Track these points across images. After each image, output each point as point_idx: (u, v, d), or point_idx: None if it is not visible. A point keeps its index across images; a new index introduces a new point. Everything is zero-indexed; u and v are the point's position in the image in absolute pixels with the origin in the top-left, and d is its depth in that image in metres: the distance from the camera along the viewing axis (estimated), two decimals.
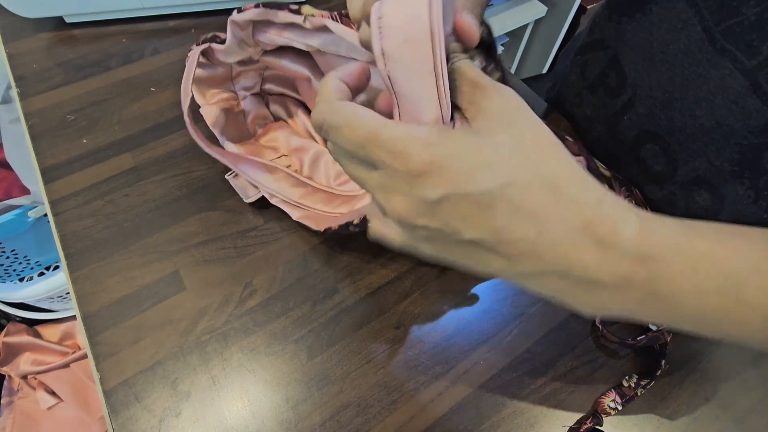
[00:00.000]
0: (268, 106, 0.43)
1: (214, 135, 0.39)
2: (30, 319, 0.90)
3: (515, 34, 1.19)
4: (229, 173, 0.36)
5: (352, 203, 0.36)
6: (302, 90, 0.41)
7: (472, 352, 0.33)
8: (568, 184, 0.17)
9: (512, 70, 1.31)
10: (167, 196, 0.38)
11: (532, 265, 0.18)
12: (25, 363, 0.87)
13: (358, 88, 0.21)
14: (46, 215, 0.46)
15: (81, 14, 0.50)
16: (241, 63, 0.39)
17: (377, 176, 0.19)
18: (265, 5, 0.30)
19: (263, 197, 0.37)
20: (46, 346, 0.89)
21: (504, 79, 0.21)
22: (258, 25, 0.32)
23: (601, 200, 0.18)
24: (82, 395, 0.86)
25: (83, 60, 0.48)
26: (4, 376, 0.89)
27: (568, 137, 0.38)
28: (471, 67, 0.19)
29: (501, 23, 1.06)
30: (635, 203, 0.35)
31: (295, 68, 0.36)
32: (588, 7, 1.10)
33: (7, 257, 0.82)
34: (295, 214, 0.36)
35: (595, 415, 0.31)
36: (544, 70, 1.27)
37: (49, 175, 0.39)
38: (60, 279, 0.85)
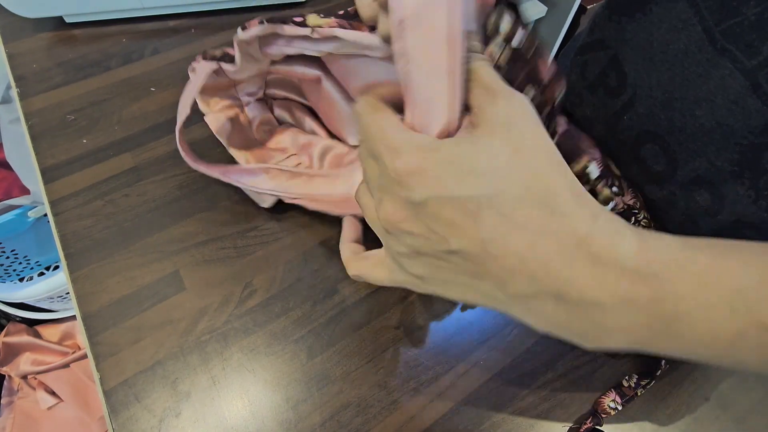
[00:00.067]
0: (272, 111, 0.42)
1: (219, 142, 0.38)
2: (30, 319, 0.90)
3: None
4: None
5: (349, 182, 0.35)
6: (308, 92, 0.41)
7: (472, 352, 0.33)
8: (563, 199, 0.17)
9: None
10: (167, 196, 0.38)
11: (524, 285, 0.17)
12: (25, 363, 0.87)
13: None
14: (46, 215, 0.46)
15: (81, 14, 0.50)
16: None
17: (378, 174, 0.19)
18: (270, 21, 0.29)
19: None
20: (46, 346, 0.89)
21: (539, 49, 0.21)
22: (264, 38, 0.32)
23: (597, 216, 0.17)
24: (82, 395, 0.86)
25: (83, 60, 0.48)
26: (4, 376, 0.89)
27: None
28: (486, 69, 0.19)
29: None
30: (640, 205, 0.35)
31: (305, 71, 0.36)
32: (588, 7, 1.10)
33: (7, 257, 0.83)
34: (311, 206, 0.35)
35: (595, 415, 0.31)
36: None
37: (49, 175, 0.39)
38: (60, 279, 0.85)
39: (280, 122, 0.43)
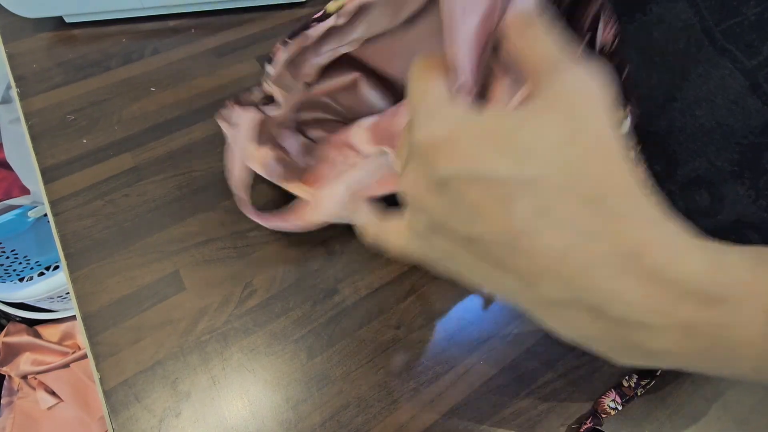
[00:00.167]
0: (305, 135, 0.39)
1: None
2: (30, 319, 0.90)
3: None
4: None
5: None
6: (342, 100, 0.37)
7: (472, 352, 0.33)
8: (618, 199, 0.14)
9: None
10: (167, 196, 0.38)
11: (555, 290, 0.14)
12: (25, 363, 0.87)
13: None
14: (46, 215, 0.46)
15: (81, 14, 0.50)
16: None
17: (409, 141, 0.17)
18: (291, 36, 0.27)
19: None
20: (46, 346, 0.89)
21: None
22: (292, 62, 0.29)
23: (658, 222, 0.14)
24: (82, 395, 0.86)
25: (83, 60, 0.48)
26: (4, 376, 0.89)
27: None
28: (550, 33, 0.15)
29: None
30: None
31: (342, 79, 0.33)
32: None
33: (7, 257, 0.83)
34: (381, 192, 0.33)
35: (595, 415, 0.31)
36: None
37: (49, 175, 0.39)
38: (60, 279, 0.85)
39: (315, 141, 0.39)
